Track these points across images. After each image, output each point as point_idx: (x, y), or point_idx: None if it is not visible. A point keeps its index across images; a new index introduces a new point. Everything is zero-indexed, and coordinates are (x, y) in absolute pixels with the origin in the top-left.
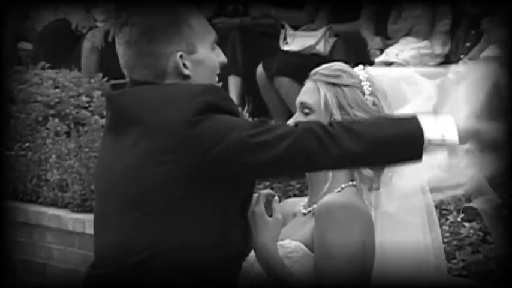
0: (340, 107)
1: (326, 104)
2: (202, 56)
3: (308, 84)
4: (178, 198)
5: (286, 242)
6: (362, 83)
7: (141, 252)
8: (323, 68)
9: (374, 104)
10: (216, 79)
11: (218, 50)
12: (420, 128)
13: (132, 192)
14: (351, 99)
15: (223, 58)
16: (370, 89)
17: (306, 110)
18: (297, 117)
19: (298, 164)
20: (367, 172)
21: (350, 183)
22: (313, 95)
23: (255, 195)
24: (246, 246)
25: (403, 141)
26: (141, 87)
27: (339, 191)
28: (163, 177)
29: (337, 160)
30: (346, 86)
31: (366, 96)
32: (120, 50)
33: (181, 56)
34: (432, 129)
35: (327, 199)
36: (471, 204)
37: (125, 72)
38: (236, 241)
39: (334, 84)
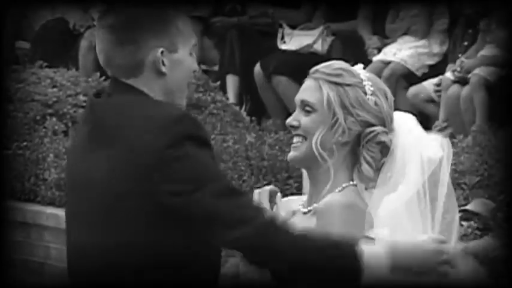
0: (343, 107)
1: (329, 103)
2: (181, 57)
3: (309, 82)
4: (144, 223)
5: None
6: (364, 83)
7: (107, 259)
8: (324, 67)
9: (376, 103)
10: (187, 85)
11: (194, 57)
12: (357, 270)
13: (101, 205)
14: (353, 98)
15: (196, 66)
16: (372, 88)
17: (307, 108)
18: (297, 115)
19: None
20: (368, 172)
21: (351, 182)
22: (315, 93)
23: (258, 191)
24: (218, 266)
25: (335, 276)
26: (124, 99)
27: (340, 191)
28: (130, 199)
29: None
30: (348, 85)
31: (368, 96)
32: (100, 35)
33: (161, 53)
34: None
35: (330, 198)
36: (467, 207)
37: (99, 57)
38: (207, 262)
39: (336, 84)
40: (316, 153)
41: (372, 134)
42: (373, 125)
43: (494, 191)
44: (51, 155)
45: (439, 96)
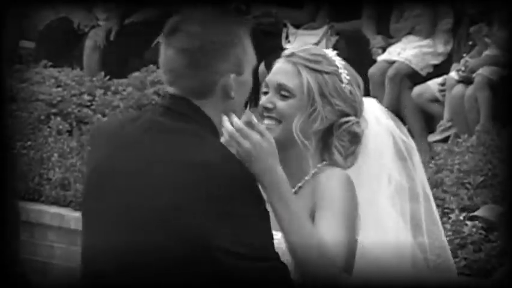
0: (322, 95)
1: (309, 90)
2: (245, 79)
3: (286, 66)
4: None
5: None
6: (340, 70)
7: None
8: (301, 51)
9: (351, 92)
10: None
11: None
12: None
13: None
14: (332, 87)
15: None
16: (348, 77)
17: (284, 93)
18: (272, 98)
19: None
20: (339, 160)
21: (324, 162)
22: (293, 78)
23: (233, 122)
24: None
25: None
26: (190, 130)
27: (316, 172)
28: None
29: None
30: (327, 73)
31: (344, 85)
32: (169, 54)
33: (234, 79)
34: None
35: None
36: (476, 214)
37: (166, 75)
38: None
39: (315, 70)
40: (298, 140)
41: (346, 125)
42: (347, 115)
43: (498, 190)
44: (56, 155)
45: (444, 95)
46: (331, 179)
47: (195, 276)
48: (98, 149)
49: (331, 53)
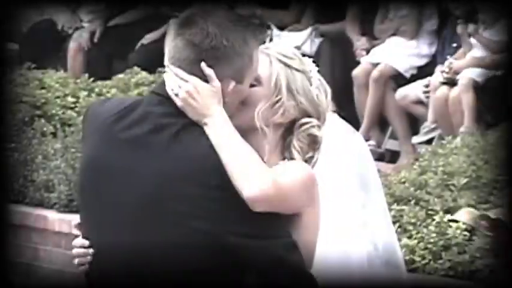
0: (289, 89)
1: (277, 82)
2: (243, 88)
3: (260, 56)
4: None
5: None
6: (311, 74)
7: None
8: (277, 46)
9: (317, 97)
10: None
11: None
12: None
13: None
14: (299, 84)
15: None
16: (318, 82)
17: (252, 81)
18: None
19: None
20: (297, 157)
21: (286, 160)
22: (263, 67)
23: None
24: None
25: None
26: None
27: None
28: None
29: None
30: (297, 70)
31: (311, 87)
32: (179, 43)
33: (234, 86)
34: None
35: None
36: (453, 217)
37: (170, 59)
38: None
39: (286, 65)
40: (258, 124)
41: (308, 125)
42: (310, 116)
43: (482, 192)
44: (40, 157)
45: (428, 97)
46: (291, 162)
47: (205, 263)
48: (93, 140)
49: (308, 60)
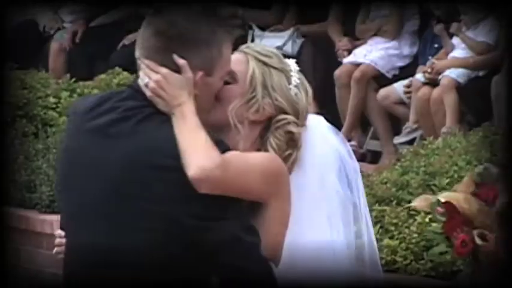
0: (264, 87)
1: (252, 78)
2: (213, 81)
3: (238, 55)
4: None
5: None
6: (291, 73)
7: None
8: (257, 45)
9: (296, 95)
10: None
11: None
12: None
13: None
14: (276, 82)
15: (221, 84)
16: (297, 81)
17: (229, 79)
18: None
19: None
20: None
21: None
22: (240, 65)
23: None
24: None
25: None
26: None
27: None
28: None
29: None
30: (274, 68)
31: (291, 86)
32: (147, 33)
33: (201, 76)
34: None
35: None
36: (409, 205)
37: (139, 50)
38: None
39: (264, 63)
40: (232, 122)
41: (283, 122)
42: (287, 113)
43: None
44: (21, 157)
45: (409, 97)
46: (261, 153)
47: (167, 246)
48: (68, 133)
49: (290, 60)
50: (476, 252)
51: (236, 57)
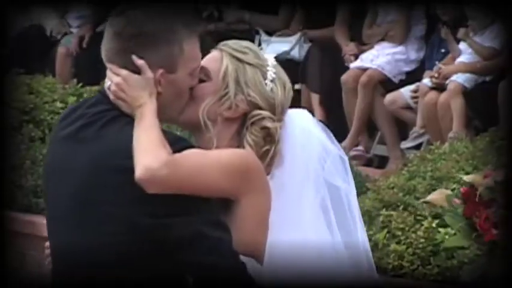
0: (237, 82)
1: (225, 75)
2: (178, 78)
3: (213, 52)
4: None
5: None
6: (268, 68)
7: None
8: (233, 42)
9: (272, 90)
10: (184, 100)
11: (196, 74)
12: None
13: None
14: (249, 78)
15: (194, 82)
16: (273, 76)
17: (203, 77)
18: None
19: None
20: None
21: None
22: (215, 62)
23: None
24: None
25: None
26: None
27: None
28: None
29: None
30: (249, 64)
31: (266, 81)
32: (108, 34)
33: (161, 74)
34: None
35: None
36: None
37: (102, 55)
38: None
39: (238, 59)
40: (202, 120)
41: (257, 117)
42: (261, 109)
43: None
44: (28, 162)
45: (416, 102)
46: (228, 149)
47: (131, 247)
48: (49, 143)
49: (269, 56)
50: (495, 243)
51: (212, 54)
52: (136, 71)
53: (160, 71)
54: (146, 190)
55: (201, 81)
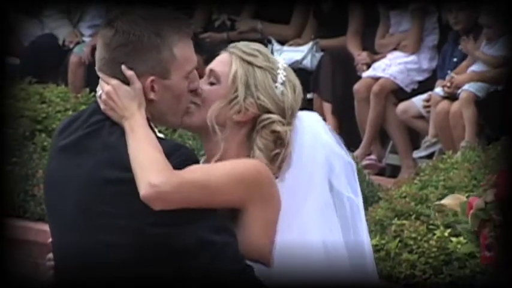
0: (247, 86)
1: (234, 78)
2: (173, 83)
3: (223, 55)
4: None
5: None
6: (278, 71)
7: None
8: (243, 44)
9: (282, 93)
10: (184, 105)
11: (192, 77)
12: None
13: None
14: (259, 81)
15: (194, 85)
16: (284, 78)
17: (212, 80)
18: (202, 84)
19: None
20: (258, 155)
21: None
22: (224, 66)
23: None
24: None
25: None
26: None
27: None
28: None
29: None
30: (259, 67)
31: (276, 84)
32: (98, 46)
33: (152, 81)
34: None
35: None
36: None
37: (96, 65)
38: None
39: (248, 62)
40: (209, 124)
41: (267, 121)
42: (271, 113)
43: None
44: (40, 171)
45: (428, 112)
46: (239, 159)
47: (137, 258)
48: (49, 156)
49: (280, 59)
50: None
51: (221, 57)
52: (126, 81)
53: (151, 77)
54: (152, 207)
55: (211, 84)
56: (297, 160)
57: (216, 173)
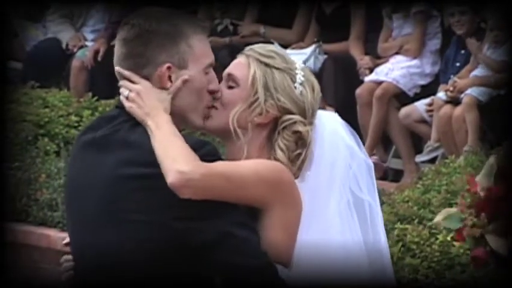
0: (266, 88)
1: (254, 81)
2: (192, 76)
3: (240, 58)
4: None
5: None
6: (296, 71)
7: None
8: (259, 47)
9: (301, 93)
10: (204, 104)
11: (211, 76)
12: None
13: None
14: (278, 82)
15: (213, 86)
16: (302, 78)
17: (231, 83)
18: (221, 87)
19: None
20: (282, 159)
21: None
22: (242, 69)
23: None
24: None
25: None
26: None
27: None
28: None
29: None
30: (277, 68)
31: (295, 84)
32: (116, 46)
33: (169, 68)
34: None
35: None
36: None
37: (114, 62)
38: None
39: (265, 64)
40: (232, 128)
41: (288, 122)
42: (292, 113)
43: None
44: (43, 176)
45: (431, 116)
46: (265, 160)
47: (164, 253)
48: (70, 158)
49: (298, 61)
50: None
51: (238, 60)
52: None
53: (167, 64)
54: (179, 195)
55: (229, 87)
56: (318, 160)
57: (241, 168)
